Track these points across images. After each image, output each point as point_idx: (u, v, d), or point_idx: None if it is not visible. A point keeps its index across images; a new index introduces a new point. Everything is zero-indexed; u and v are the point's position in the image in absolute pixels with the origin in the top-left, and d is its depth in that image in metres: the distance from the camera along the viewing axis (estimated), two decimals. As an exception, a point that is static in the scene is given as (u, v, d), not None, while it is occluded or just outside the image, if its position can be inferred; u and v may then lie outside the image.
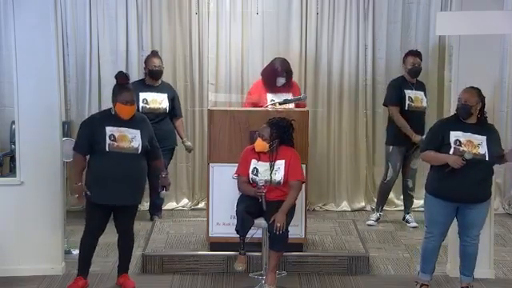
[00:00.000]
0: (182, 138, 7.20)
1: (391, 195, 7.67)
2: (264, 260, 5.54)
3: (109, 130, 5.21)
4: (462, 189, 5.08)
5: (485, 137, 5.12)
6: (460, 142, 5.10)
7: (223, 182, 5.77)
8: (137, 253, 6.03)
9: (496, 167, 5.33)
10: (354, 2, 7.61)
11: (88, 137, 5.26)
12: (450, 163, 5.03)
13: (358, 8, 7.63)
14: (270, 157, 5.44)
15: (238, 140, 5.85)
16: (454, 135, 5.12)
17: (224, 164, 5.81)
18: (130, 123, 5.27)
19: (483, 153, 5.08)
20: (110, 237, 5.63)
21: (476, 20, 5.21)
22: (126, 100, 5.23)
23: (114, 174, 5.20)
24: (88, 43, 7.53)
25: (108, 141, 5.19)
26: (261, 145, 5.45)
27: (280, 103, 6.27)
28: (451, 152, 5.09)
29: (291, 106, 6.41)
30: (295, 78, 7.56)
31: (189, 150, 7.29)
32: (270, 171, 5.40)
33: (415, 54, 7.01)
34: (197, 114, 7.72)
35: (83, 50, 7.55)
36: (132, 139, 5.24)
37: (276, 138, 5.44)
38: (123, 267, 5.54)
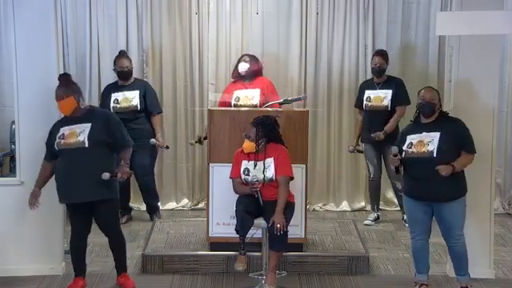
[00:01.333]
0: (155, 134, 7.05)
1: (390, 195, 7.67)
2: (264, 260, 5.54)
3: (62, 130, 5.27)
4: (422, 188, 5.15)
5: (438, 133, 5.15)
6: (412, 143, 5.19)
7: (223, 182, 5.77)
8: (137, 253, 6.03)
9: (496, 167, 5.32)
10: (354, 2, 7.61)
11: (49, 142, 5.32)
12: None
13: (358, 8, 7.63)
14: (259, 156, 5.46)
15: (237, 140, 5.84)
16: (410, 138, 5.23)
17: (224, 164, 5.81)
18: (82, 119, 5.26)
19: (431, 150, 5.11)
20: (109, 237, 5.64)
21: (476, 20, 5.21)
22: (57, 95, 5.26)
23: (66, 170, 5.21)
24: (88, 43, 7.53)
25: (57, 140, 5.24)
26: (248, 146, 5.47)
27: (280, 103, 6.28)
28: (403, 155, 5.20)
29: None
30: (295, 78, 7.59)
31: (159, 146, 7.10)
32: (261, 170, 5.41)
33: (379, 53, 7.07)
34: (197, 114, 7.72)
35: (83, 50, 7.55)
36: (79, 133, 5.22)
37: (262, 136, 5.46)
38: (119, 267, 5.53)
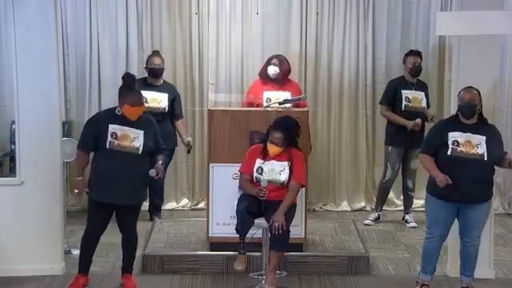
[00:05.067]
0: (181, 136, 7.15)
1: (391, 195, 7.67)
2: (264, 260, 5.54)
3: (112, 128, 5.23)
4: (462, 189, 5.07)
5: (484, 137, 5.11)
6: (458, 142, 5.10)
7: (223, 182, 5.77)
8: (137, 253, 6.02)
9: (496, 167, 5.32)
10: (354, 2, 7.61)
11: (92, 135, 5.28)
12: (437, 182, 5.08)
13: (358, 8, 7.63)
14: (279, 158, 5.44)
15: (237, 140, 5.85)
16: (452, 136, 5.12)
17: (224, 164, 5.81)
18: (135, 123, 5.28)
19: (482, 153, 5.07)
20: (110, 237, 5.64)
21: (476, 20, 5.21)
22: (134, 102, 5.25)
23: (114, 172, 5.22)
24: (88, 43, 7.53)
25: (109, 138, 5.22)
26: (275, 150, 5.43)
27: (280, 103, 6.27)
28: (449, 152, 5.09)
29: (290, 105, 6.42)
30: (295, 78, 7.57)
31: (188, 146, 7.19)
32: (274, 172, 5.40)
33: (416, 53, 7.01)
34: (197, 113, 7.72)
35: (83, 49, 7.55)
36: (134, 139, 5.25)
37: (287, 139, 5.44)
38: (127, 268, 5.54)
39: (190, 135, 7.39)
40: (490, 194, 5.26)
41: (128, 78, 5.33)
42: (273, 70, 6.75)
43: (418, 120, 6.84)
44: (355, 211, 7.78)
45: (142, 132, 5.28)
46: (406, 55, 7.05)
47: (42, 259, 5.75)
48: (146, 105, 6.86)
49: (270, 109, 6.10)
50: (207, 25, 7.60)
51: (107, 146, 5.21)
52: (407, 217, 7.25)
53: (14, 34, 5.57)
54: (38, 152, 5.61)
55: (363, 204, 7.85)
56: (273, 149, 5.43)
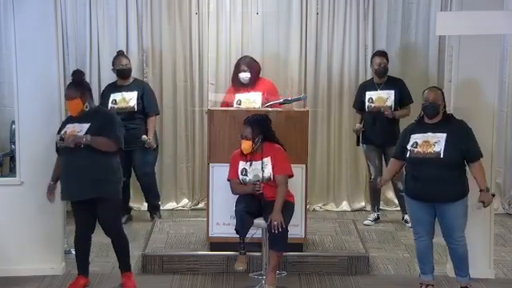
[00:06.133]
0: (146, 133, 6.97)
1: (390, 195, 7.67)
2: (264, 260, 5.54)
3: (66, 127, 5.30)
4: (426, 188, 5.13)
5: (445, 134, 5.13)
6: (417, 143, 5.17)
7: (223, 182, 5.76)
8: (137, 253, 6.03)
9: (496, 167, 5.32)
10: (354, 2, 7.61)
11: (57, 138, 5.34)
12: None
13: (358, 8, 7.63)
14: (256, 156, 5.46)
15: (237, 140, 5.84)
16: (414, 138, 5.20)
17: (224, 164, 5.80)
18: (82, 118, 5.29)
19: (438, 150, 5.09)
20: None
21: (476, 20, 5.21)
22: (67, 95, 5.34)
23: (66, 168, 5.27)
24: (88, 43, 7.53)
25: (58, 139, 5.27)
26: (247, 145, 5.45)
27: (280, 103, 6.27)
28: (408, 155, 5.18)
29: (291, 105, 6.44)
30: (295, 78, 7.58)
31: (148, 144, 6.95)
32: (258, 170, 5.41)
33: (381, 54, 7.06)
34: (197, 114, 7.72)
35: (83, 50, 7.55)
36: (77, 133, 5.23)
37: (258, 134, 5.45)
38: (124, 266, 5.53)
39: (189, 135, 7.37)
40: (462, 192, 5.19)
41: (75, 74, 5.42)
42: (244, 76, 6.71)
43: (358, 125, 7.08)
44: (355, 211, 7.78)
45: (89, 124, 5.25)
46: (373, 56, 7.14)
47: (42, 259, 5.75)
48: (116, 106, 6.87)
49: (270, 109, 6.10)
50: (207, 25, 7.60)
51: (57, 146, 5.29)
52: (406, 217, 7.24)
53: (14, 34, 5.58)
54: (38, 152, 5.61)
55: (363, 204, 7.85)
56: (244, 143, 5.45)
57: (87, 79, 7.49)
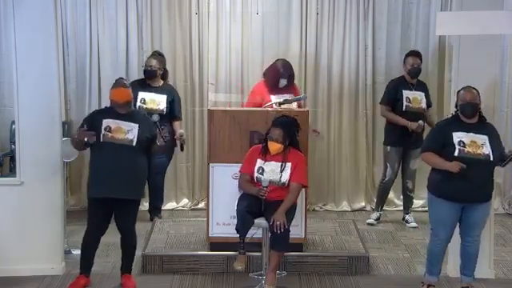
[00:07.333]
0: (175, 133, 7.00)
1: (391, 195, 7.66)
2: (264, 260, 5.54)
3: (105, 122, 5.30)
4: (469, 189, 5.07)
5: (486, 136, 5.11)
6: (464, 142, 5.08)
7: (223, 182, 5.77)
8: (137, 253, 6.02)
9: (496, 167, 5.32)
10: (354, 2, 7.61)
11: (88, 127, 5.33)
12: (449, 169, 5.03)
13: (358, 8, 7.63)
14: (277, 157, 5.44)
15: (237, 140, 5.85)
16: (457, 136, 5.10)
17: (224, 164, 5.81)
18: (128, 117, 5.33)
19: (487, 153, 5.07)
20: (110, 237, 5.63)
21: (476, 20, 5.22)
22: (115, 85, 5.38)
23: (108, 164, 5.25)
24: (88, 43, 7.53)
25: (103, 131, 5.26)
26: (276, 148, 5.42)
27: (280, 103, 6.27)
28: (456, 153, 5.07)
29: (294, 105, 6.41)
30: (295, 78, 7.57)
31: (181, 139, 6.99)
32: (275, 172, 5.40)
33: (415, 54, 7.01)
34: (197, 114, 7.72)
35: (83, 49, 7.55)
36: (128, 131, 5.27)
37: (287, 137, 5.44)
38: (126, 268, 5.54)
39: (189, 135, 7.38)
40: (492, 192, 5.27)
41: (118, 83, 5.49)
42: (284, 83, 6.64)
43: (421, 122, 6.83)
44: (355, 211, 7.78)
45: (137, 125, 5.31)
46: (406, 56, 7.05)
47: (42, 259, 5.75)
48: (144, 106, 6.88)
49: (270, 109, 6.10)
50: (207, 25, 7.60)
51: (101, 139, 5.25)
52: (407, 217, 7.25)
53: (14, 34, 5.57)
54: (38, 152, 5.61)
55: (363, 204, 7.85)
56: (273, 146, 5.43)
57: (87, 79, 7.56)
